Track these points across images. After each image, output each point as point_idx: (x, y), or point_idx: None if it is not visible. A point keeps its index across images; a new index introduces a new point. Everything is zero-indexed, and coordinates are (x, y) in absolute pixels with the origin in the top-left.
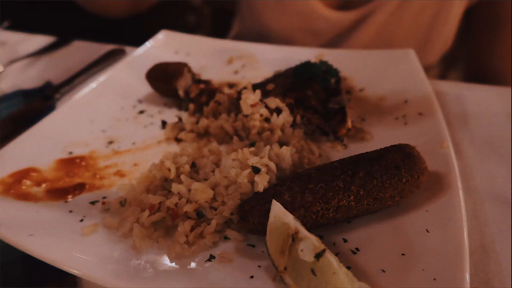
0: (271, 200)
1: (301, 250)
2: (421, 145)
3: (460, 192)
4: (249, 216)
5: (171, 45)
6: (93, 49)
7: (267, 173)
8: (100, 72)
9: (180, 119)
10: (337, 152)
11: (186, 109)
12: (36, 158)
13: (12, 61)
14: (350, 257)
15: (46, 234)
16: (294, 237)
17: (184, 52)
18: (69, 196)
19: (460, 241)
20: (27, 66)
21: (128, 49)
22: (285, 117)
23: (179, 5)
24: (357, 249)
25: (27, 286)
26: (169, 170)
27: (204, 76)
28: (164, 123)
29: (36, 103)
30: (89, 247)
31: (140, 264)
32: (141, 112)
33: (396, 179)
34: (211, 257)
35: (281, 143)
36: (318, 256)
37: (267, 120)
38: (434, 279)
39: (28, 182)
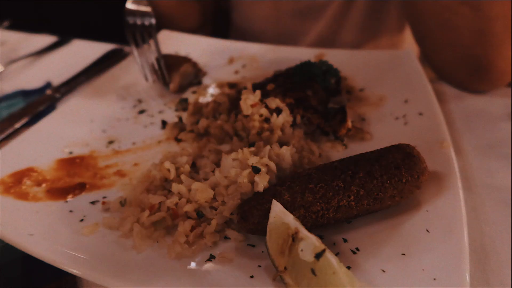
0: (271, 200)
1: (301, 250)
2: (421, 145)
3: (460, 192)
4: (249, 216)
5: (171, 45)
6: (93, 49)
7: (267, 173)
8: (100, 72)
9: (180, 119)
10: (337, 152)
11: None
12: (36, 158)
13: (12, 61)
14: (350, 257)
15: (46, 234)
16: (294, 237)
17: (184, 52)
18: (69, 196)
19: (460, 241)
20: (27, 66)
21: (128, 49)
22: (285, 117)
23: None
24: (357, 249)
25: (27, 286)
26: (169, 170)
27: (203, 75)
28: (164, 123)
29: (36, 103)
30: (89, 247)
31: (140, 264)
32: (141, 112)
33: (396, 179)
34: (211, 257)
35: (281, 143)
36: (318, 256)
37: (267, 120)
38: (434, 279)
39: (28, 182)
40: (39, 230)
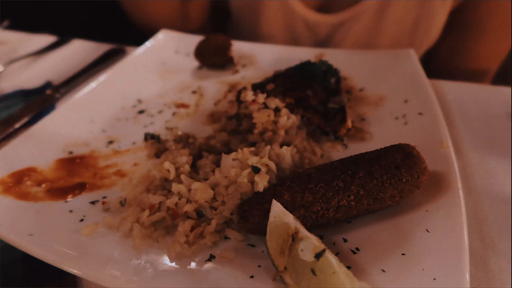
0: (271, 200)
1: (301, 250)
2: (421, 145)
3: (460, 192)
4: (249, 216)
5: (171, 45)
6: (93, 49)
7: (267, 173)
8: (100, 72)
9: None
10: (337, 152)
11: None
12: (36, 158)
13: (12, 61)
14: (350, 257)
15: (46, 234)
16: (294, 237)
17: (184, 52)
18: (69, 196)
19: (460, 241)
20: (27, 66)
21: (128, 49)
22: (294, 120)
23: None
24: (357, 249)
25: (27, 286)
26: (169, 171)
27: (204, 75)
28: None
29: (36, 103)
30: (89, 247)
31: (140, 264)
32: (141, 112)
33: (396, 179)
34: (211, 257)
35: (284, 144)
36: (318, 256)
37: (274, 122)
38: (434, 279)
39: (28, 182)
40: (39, 230)
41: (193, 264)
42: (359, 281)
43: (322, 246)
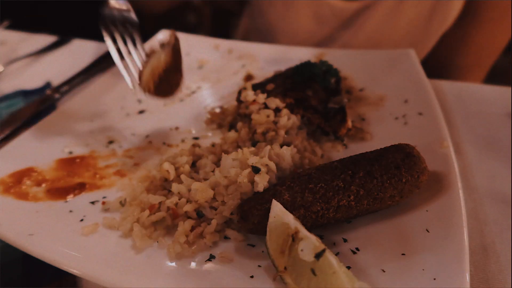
0: (271, 200)
1: (301, 250)
2: (421, 145)
3: (460, 192)
4: (249, 216)
5: None
6: (93, 49)
7: (267, 173)
8: (100, 72)
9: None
10: (337, 152)
11: None
12: (36, 158)
13: (12, 61)
14: (350, 257)
15: (46, 234)
16: (294, 237)
17: (184, 52)
18: (69, 196)
19: (460, 241)
20: (27, 66)
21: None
22: (295, 120)
23: (179, 5)
24: (357, 249)
25: (27, 286)
26: (168, 172)
27: (204, 75)
28: None
29: (36, 103)
30: (89, 247)
31: (140, 264)
32: (141, 112)
33: (396, 179)
34: (211, 257)
35: (284, 144)
36: (318, 256)
37: (274, 122)
38: (434, 279)
39: (28, 182)
40: (39, 230)
41: (193, 264)
42: (359, 281)
43: (322, 246)
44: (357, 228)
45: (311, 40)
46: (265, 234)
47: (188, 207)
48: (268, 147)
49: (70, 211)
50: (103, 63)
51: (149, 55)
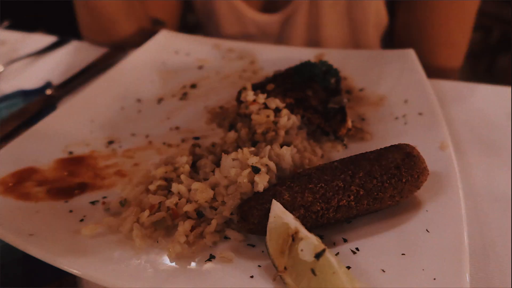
0: (271, 200)
1: (301, 250)
2: (421, 145)
3: (460, 192)
4: (249, 216)
5: (171, 45)
6: (93, 49)
7: (267, 173)
8: (100, 72)
9: None
10: (337, 152)
11: None
12: (36, 158)
13: (12, 61)
14: (350, 257)
15: (46, 234)
16: (294, 237)
17: (184, 52)
18: (69, 196)
19: (460, 241)
20: (27, 66)
21: (128, 49)
22: (294, 121)
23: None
24: (357, 249)
25: (27, 286)
26: (167, 172)
27: (204, 75)
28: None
29: (36, 103)
30: (89, 247)
31: (140, 264)
32: (141, 112)
33: (396, 179)
34: (211, 257)
35: (284, 144)
36: (318, 256)
37: (274, 122)
38: (434, 279)
39: (28, 182)
40: (39, 230)
41: (193, 264)
42: (359, 281)
43: (322, 246)
44: (357, 228)
45: None
46: (265, 234)
47: (188, 207)
48: (268, 147)
49: (70, 211)
50: (103, 63)
51: None
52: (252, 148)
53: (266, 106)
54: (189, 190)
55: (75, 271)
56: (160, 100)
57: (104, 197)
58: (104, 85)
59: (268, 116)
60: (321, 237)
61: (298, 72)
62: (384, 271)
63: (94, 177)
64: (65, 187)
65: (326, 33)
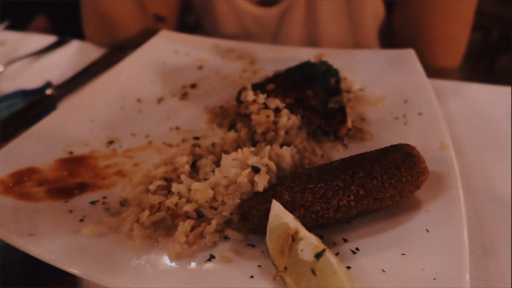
0: (271, 200)
1: (301, 250)
2: (421, 145)
3: (460, 192)
4: (249, 216)
5: (171, 45)
6: (93, 49)
7: (267, 173)
8: (100, 72)
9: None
10: (337, 152)
11: None
12: (36, 158)
13: (12, 61)
14: (350, 257)
15: (46, 234)
16: (294, 237)
17: (184, 52)
18: (69, 196)
19: (460, 241)
20: (27, 66)
21: (128, 49)
22: (294, 120)
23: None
24: (357, 249)
25: (27, 286)
26: (167, 172)
27: (204, 75)
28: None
29: (36, 103)
30: (89, 247)
31: (140, 264)
32: (141, 112)
33: (396, 179)
34: (211, 257)
35: (284, 144)
36: (318, 256)
37: (274, 122)
38: (434, 279)
39: (28, 182)
40: (39, 230)
41: (193, 264)
42: (359, 281)
43: (322, 246)
44: (357, 228)
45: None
46: (265, 234)
47: (188, 207)
48: (268, 147)
49: (70, 211)
50: (103, 63)
51: None
52: (252, 148)
53: (266, 106)
54: (189, 190)
55: (75, 271)
56: (160, 100)
57: (104, 197)
58: (104, 85)
59: (268, 116)
60: (321, 237)
61: (298, 72)
62: (384, 271)
63: (94, 177)
64: (65, 187)
65: (324, 27)
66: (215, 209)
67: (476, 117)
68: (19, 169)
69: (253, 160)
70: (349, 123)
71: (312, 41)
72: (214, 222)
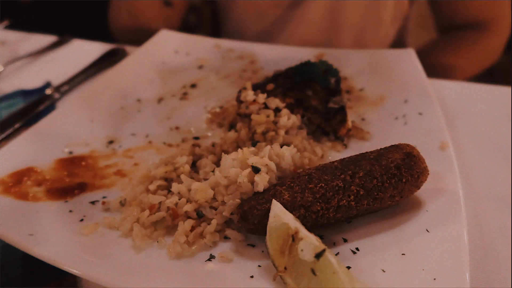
0: (271, 200)
1: (301, 250)
2: (421, 145)
3: (460, 192)
4: (249, 216)
5: (171, 45)
6: (93, 49)
7: (267, 173)
8: (100, 72)
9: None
10: (337, 152)
11: None
12: (36, 158)
13: (12, 61)
14: (350, 257)
15: (46, 234)
16: (294, 237)
17: (184, 52)
18: (69, 196)
19: (460, 241)
20: (27, 66)
21: (128, 49)
22: (295, 120)
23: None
24: (357, 249)
25: (27, 286)
26: (167, 172)
27: (204, 75)
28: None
29: (36, 103)
30: (89, 247)
31: (140, 264)
32: (141, 111)
33: (396, 179)
34: (211, 257)
35: (284, 144)
36: (318, 256)
37: (274, 121)
38: (434, 279)
39: (28, 182)
40: (39, 230)
41: (193, 264)
42: (359, 281)
43: (322, 246)
44: (357, 228)
45: (251, 35)
46: (265, 234)
47: (188, 207)
48: (268, 147)
49: (70, 211)
50: (103, 63)
51: None
52: (252, 148)
53: (266, 106)
54: (189, 190)
55: (75, 271)
56: (160, 100)
57: (104, 197)
58: (104, 85)
59: (268, 116)
60: (321, 237)
61: (298, 72)
62: (384, 271)
63: (94, 177)
64: (65, 187)
65: (346, 9)
66: (215, 209)
67: (476, 117)
68: (19, 169)
69: (253, 160)
70: (349, 123)
71: (331, 25)
72: (214, 222)
